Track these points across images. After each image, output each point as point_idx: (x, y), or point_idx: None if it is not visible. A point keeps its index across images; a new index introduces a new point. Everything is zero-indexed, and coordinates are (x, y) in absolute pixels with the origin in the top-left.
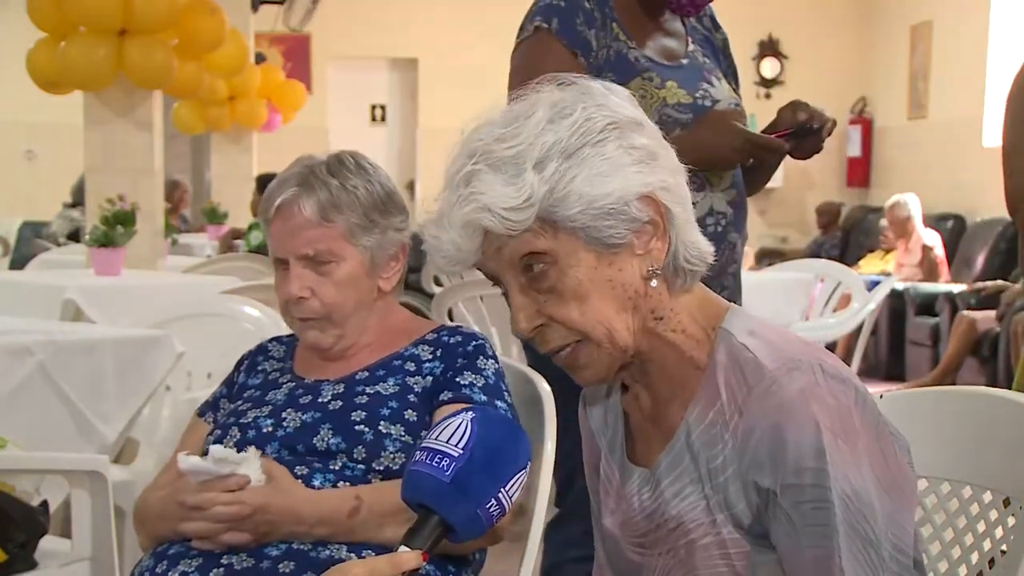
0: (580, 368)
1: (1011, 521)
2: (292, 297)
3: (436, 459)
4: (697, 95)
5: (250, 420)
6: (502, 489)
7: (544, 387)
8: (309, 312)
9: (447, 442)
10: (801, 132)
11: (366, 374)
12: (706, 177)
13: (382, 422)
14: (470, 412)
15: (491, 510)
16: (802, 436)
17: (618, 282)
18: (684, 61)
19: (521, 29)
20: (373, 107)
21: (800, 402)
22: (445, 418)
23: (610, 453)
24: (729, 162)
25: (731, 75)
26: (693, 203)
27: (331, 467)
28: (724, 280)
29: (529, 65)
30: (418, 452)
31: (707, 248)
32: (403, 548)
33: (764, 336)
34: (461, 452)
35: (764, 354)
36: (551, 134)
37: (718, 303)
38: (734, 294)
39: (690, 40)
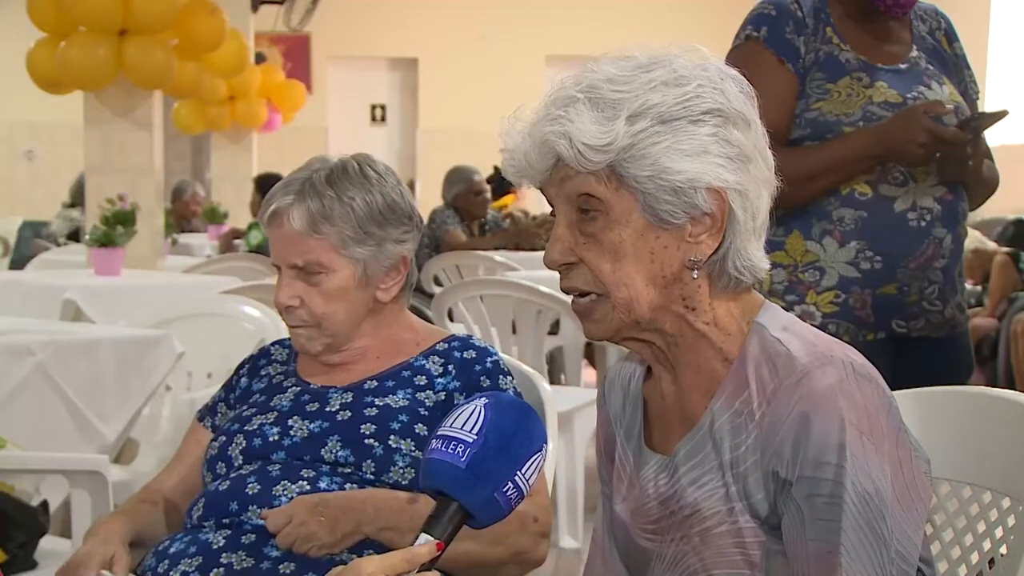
0: (590, 321)
1: (1011, 521)
2: (281, 306)
3: (451, 446)
4: (909, 96)
5: (255, 427)
6: (518, 472)
7: (545, 387)
8: (298, 320)
9: (461, 428)
10: (973, 121)
11: (375, 383)
12: (909, 173)
13: (392, 436)
14: (483, 398)
15: (508, 494)
16: (827, 430)
17: (658, 257)
18: (903, 66)
19: (736, 36)
20: (373, 107)
21: (830, 396)
22: (458, 405)
23: (626, 439)
24: (914, 156)
25: (965, 90)
26: (895, 197)
27: (339, 471)
28: (931, 274)
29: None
30: (433, 440)
31: (761, 264)
32: (423, 536)
33: (798, 332)
34: (475, 438)
35: (797, 348)
36: (658, 95)
37: (754, 298)
38: (943, 288)
39: (915, 47)
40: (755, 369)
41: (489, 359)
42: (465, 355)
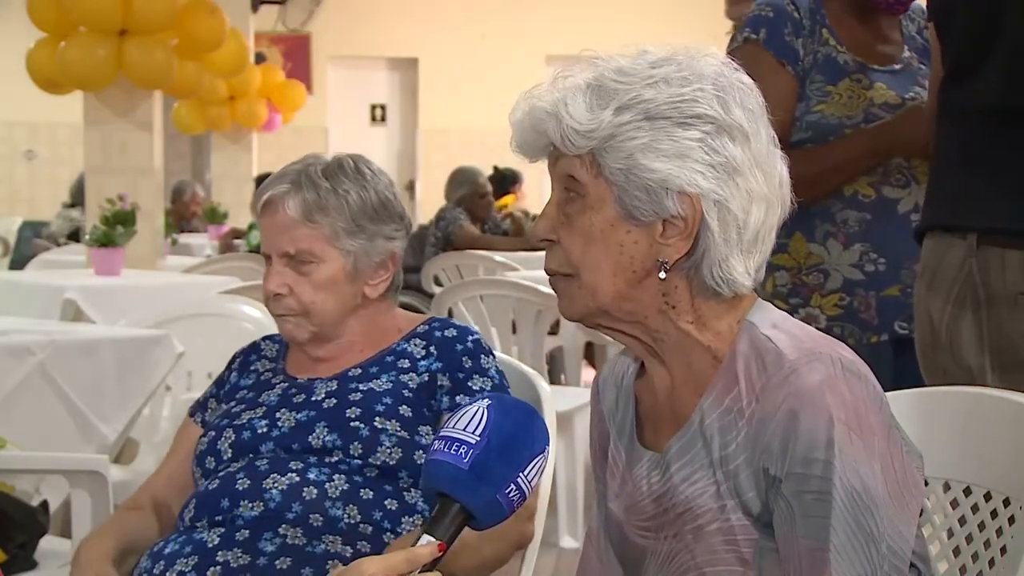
0: (560, 298)
1: (1011, 521)
2: (270, 293)
3: (454, 447)
4: (907, 96)
5: (244, 422)
6: (520, 474)
7: (544, 387)
8: (285, 309)
9: (464, 430)
10: None
11: (359, 371)
12: (912, 174)
13: (377, 418)
14: (486, 399)
15: (510, 495)
16: (816, 426)
17: (627, 251)
18: (897, 66)
19: (732, 39)
20: (373, 107)
21: (818, 393)
22: (462, 406)
23: (619, 436)
24: (919, 143)
25: None
26: (898, 199)
27: (327, 461)
28: None
29: None
30: (436, 441)
31: (741, 280)
32: (425, 537)
33: (787, 329)
34: (478, 439)
35: (786, 345)
36: (654, 91)
37: (747, 297)
38: None
39: (907, 47)
40: (744, 366)
41: (470, 338)
42: (445, 334)
